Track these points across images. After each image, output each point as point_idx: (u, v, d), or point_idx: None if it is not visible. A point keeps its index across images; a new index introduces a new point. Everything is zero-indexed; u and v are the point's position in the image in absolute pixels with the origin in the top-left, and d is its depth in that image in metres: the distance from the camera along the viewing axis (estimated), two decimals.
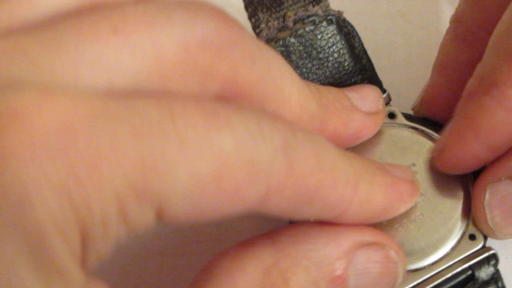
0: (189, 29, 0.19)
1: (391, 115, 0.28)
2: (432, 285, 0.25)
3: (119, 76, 0.18)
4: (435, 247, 0.26)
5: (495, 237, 0.26)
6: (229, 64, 0.19)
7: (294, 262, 0.21)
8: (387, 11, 0.33)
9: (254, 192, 0.18)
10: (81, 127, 0.16)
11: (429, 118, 0.28)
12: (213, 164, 0.17)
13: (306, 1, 0.29)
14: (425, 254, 0.25)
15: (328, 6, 0.30)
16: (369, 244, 0.22)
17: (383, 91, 0.28)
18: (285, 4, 0.29)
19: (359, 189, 0.21)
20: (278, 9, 0.29)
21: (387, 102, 0.28)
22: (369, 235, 0.23)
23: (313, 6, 0.29)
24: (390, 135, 0.27)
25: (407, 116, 0.28)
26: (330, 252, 0.22)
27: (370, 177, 0.22)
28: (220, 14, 0.19)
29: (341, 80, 0.28)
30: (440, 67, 0.29)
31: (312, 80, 0.28)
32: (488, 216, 0.26)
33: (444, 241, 0.26)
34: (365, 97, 0.26)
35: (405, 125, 0.28)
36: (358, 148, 0.27)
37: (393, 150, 0.27)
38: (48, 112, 0.16)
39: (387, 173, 0.23)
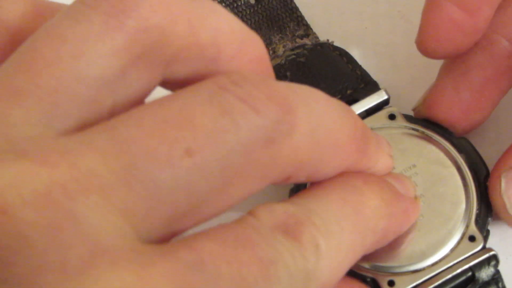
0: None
1: (391, 116, 0.28)
2: (432, 286, 0.25)
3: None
4: (435, 248, 0.26)
5: None
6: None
7: None
8: (388, 11, 0.33)
9: None
10: None
11: (430, 119, 0.28)
12: None
13: (295, 35, 0.30)
14: (424, 255, 0.26)
15: (317, 38, 0.31)
16: None
17: (384, 92, 0.28)
18: (274, 41, 0.30)
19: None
20: (267, 46, 0.30)
21: (387, 103, 0.28)
22: None
23: (301, 38, 0.30)
24: (390, 136, 0.27)
25: (407, 117, 0.28)
26: None
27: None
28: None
29: (341, 92, 0.29)
30: (449, 68, 0.28)
31: None
32: (508, 205, 0.26)
33: (444, 242, 0.26)
34: (380, 140, 0.25)
35: (405, 126, 0.28)
36: None
37: (393, 151, 0.27)
38: None
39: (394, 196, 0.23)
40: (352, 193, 0.22)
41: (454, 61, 0.28)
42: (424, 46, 0.27)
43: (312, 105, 0.20)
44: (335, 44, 0.31)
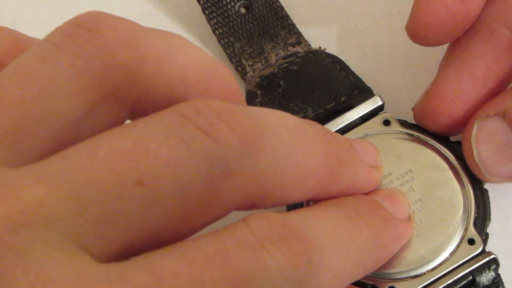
0: None
1: (386, 122, 0.28)
2: None
3: None
4: (434, 253, 0.26)
5: (485, 178, 0.26)
6: None
7: None
8: (387, 11, 0.33)
9: None
10: None
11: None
12: None
13: (287, 44, 0.30)
14: (424, 260, 0.25)
15: (309, 45, 0.31)
16: None
17: (379, 98, 0.28)
18: (266, 50, 0.30)
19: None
20: (260, 55, 0.30)
21: (381, 109, 0.28)
22: None
23: (293, 46, 0.30)
24: (385, 142, 0.27)
25: (402, 123, 0.28)
26: None
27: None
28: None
29: (335, 99, 0.29)
30: (449, 59, 0.28)
31: (312, 102, 0.29)
32: (475, 152, 0.26)
33: (443, 247, 0.26)
34: (365, 151, 0.25)
35: (400, 132, 0.28)
36: None
37: (389, 157, 0.27)
38: None
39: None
40: (346, 220, 0.22)
41: (454, 52, 0.28)
42: (414, 32, 0.27)
43: (280, 134, 0.20)
44: (328, 50, 0.31)
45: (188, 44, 0.21)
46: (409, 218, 0.25)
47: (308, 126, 0.22)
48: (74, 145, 0.18)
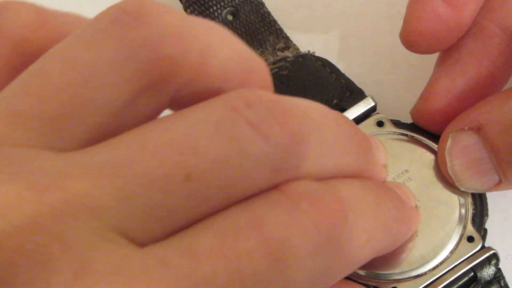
0: None
1: (379, 123, 0.28)
2: None
3: None
4: (434, 252, 0.26)
5: (460, 188, 0.26)
6: None
7: None
8: (387, 12, 0.33)
9: None
10: None
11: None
12: None
13: (276, 49, 0.30)
14: (425, 259, 0.26)
15: (297, 50, 0.31)
16: None
17: (371, 99, 0.28)
18: None
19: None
20: None
21: (374, 109, 0.28)
22: None
23: (282, 51, 0.30)
24: None
25: (395, 123, 0.28)
26: None
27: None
28: None
29: (327, 102, 0.29)
30: (441, 58, 0.28)
31: None
32: (448, 164, 0.26)
33: (443, 245, 0.26)
34: (378, 146, 0.25)
35: (394, 132, 0.28)
36: None
37: None
38: None
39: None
40: (370, 190, 0.22)
41: (446, 51, 0.28)
42: (407, 39, 0.27)
43: (325, 133, 0.20)
44: (328, 51, 0.31)
45: (230, 36, 0.21)
46: (416, 207, 0.25)
47: (345, 123, 0.22)
48: (120, 136, 0.18)
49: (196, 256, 0.17)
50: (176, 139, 0.18)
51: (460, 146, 0.26)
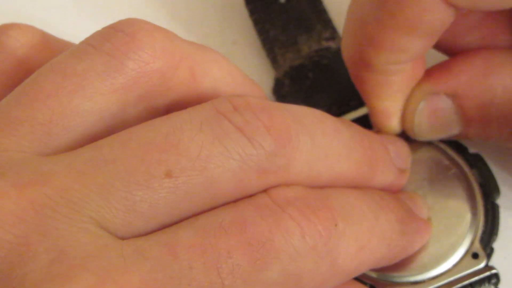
0: None
1: None
2: None
3: None
4: (437, 262, 0.26)
5: (413, 137, 0.26)
6: None
7: None
8: None
9: None
10: None
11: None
12: None
13: (321, 37, 0.30)
14: (426, 267, 0.26)
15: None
16: None
17: None
18: (299, 41, 0.30)
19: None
20: (293, 45, 0.30)
21: None
22: None
23: (327, 41, 0.30)
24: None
25: None
26: None
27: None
28: None
29: (360, 97, 0.29)
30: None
31: (337, 98, 0.29)
32: (416, 123, 0.26)
33: (447, 257, 0.26)
34: (399, 153, 0.25)
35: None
36: None
37: None
38: None
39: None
40: (371, 200, 0.22)
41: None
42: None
43: (317, 136, 0.20)
44: None
45: (223, 59, 0.21)
46: (428, 219, 0.25)
47: (346, 130, 0.22)
48: (107, 137, 0.19)
49: (174, 249, 0.17)
50: (158, 137, 0.18)
51: (432, 108, 0.25)
